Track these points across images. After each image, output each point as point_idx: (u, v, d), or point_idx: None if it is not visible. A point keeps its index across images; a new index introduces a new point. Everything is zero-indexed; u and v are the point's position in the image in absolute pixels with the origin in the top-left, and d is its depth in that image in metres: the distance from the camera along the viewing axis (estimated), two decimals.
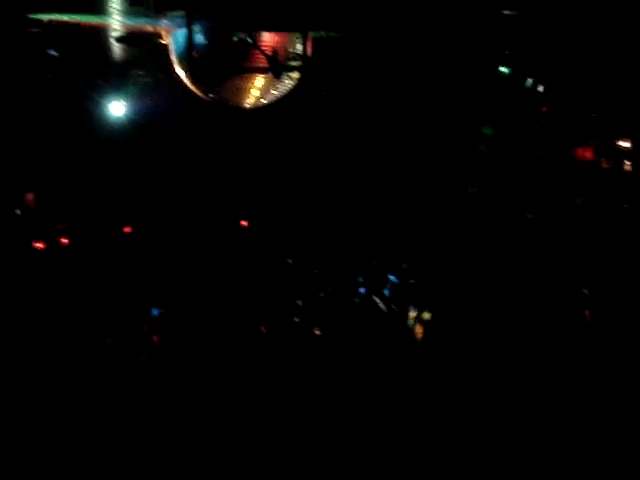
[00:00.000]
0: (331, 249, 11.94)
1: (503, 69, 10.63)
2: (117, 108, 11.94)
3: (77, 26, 9.54)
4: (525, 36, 9.23)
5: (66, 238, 12.21)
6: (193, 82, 7.73)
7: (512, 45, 9.75)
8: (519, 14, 8.25)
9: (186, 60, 7.58)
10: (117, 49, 9.84)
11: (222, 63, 7.15)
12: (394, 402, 6.67)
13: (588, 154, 17.17)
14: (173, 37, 7.73)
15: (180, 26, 7.59)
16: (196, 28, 7.30)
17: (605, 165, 17.45)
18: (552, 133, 16.01)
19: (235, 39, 6.96)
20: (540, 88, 11.97)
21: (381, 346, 7.63)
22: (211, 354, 7.71)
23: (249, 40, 6.70)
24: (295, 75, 7.33)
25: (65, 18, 9.22)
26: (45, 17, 9.36)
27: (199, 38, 7.36)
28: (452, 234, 12.18)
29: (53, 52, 10.72)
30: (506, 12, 8.17)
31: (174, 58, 7.77)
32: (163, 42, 8.37)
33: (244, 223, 12.98)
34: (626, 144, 17.34)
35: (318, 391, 6.96)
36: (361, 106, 13.53)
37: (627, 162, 16.15)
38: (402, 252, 11.37)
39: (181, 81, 7.93)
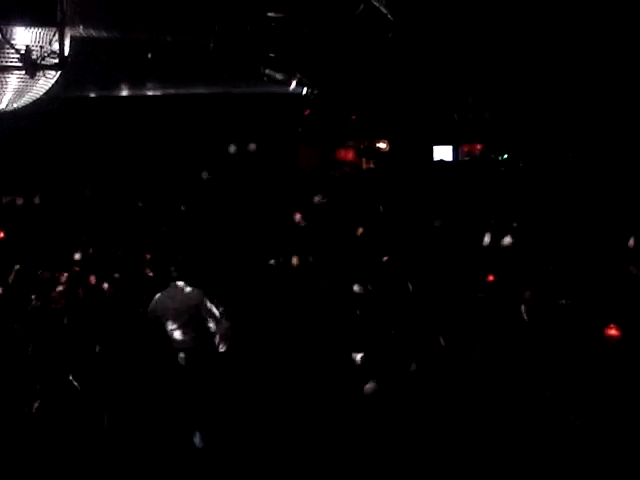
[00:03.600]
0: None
1: (269, 72, 10.64)
2: None
3: None
4: (290, 38, 9.26)
5: None
6: None
7: (277, 47, 9.76)
8: (284, 16, 8.23)
9: None
10: None
11: None
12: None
13: (350, 155, 17.78)
14: None
15: None
16: None
17: (365, 165, 18.16)
18: (315, 135, 16.37)
19: None
20: (304, 91, 12.14)
21: None
22: None
23: None
24: (51, 75, 6.81)
25: None
26: None
27: None
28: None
29: None
30: (271, 14, 8.12)
31: None
32: None
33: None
34: (383, 145, 18.15)
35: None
36: (123, 108, 13.11)
37: (385, 162, 16.87)
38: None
39: None
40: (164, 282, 8.13)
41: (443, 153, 16.37)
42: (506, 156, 16.65)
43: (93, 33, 7.90)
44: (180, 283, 7.88)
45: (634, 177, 11.51)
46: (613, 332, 7.45)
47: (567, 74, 11.71)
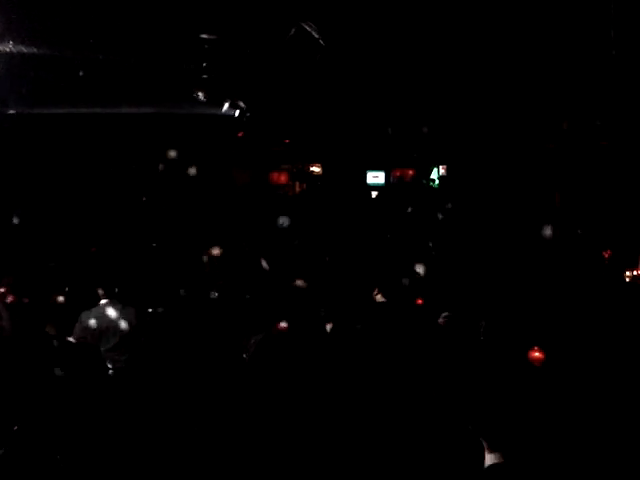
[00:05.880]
0: None
1: (200, 94, 10.66)
2: None
3: None
4: (223, 60, 9.30)
5: None
6: None
7: (210, 69, 9.79)
8: (217, 39, 8.27)
9: None
10: None
11: None
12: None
13: (283, 178, 17.87)
14: None
15: None
16: None
17: (298, 188, 18.27)
18: (250, 157, 16.43)
19: None
20: (237, 113, 12.19)
21: None
22: None
23: None
24: None
25: None
26: None
27: None
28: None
29: None
30: (204, 36, 8.16)
31: None
32: None
33: None
34: (316, 169, 18.30)
35: None
36: (53, 126, 12.98)
37: (318, 185, 17.02)
38: None
39: None
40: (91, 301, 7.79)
41: (375, 177, 16.58)
42: (437, 182, 16.95)
43: (23, 49, 7.83)
44: (107, 301, 7.52)
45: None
46: (537, 355, 7.58)
47: (498, 99, 12.01)
